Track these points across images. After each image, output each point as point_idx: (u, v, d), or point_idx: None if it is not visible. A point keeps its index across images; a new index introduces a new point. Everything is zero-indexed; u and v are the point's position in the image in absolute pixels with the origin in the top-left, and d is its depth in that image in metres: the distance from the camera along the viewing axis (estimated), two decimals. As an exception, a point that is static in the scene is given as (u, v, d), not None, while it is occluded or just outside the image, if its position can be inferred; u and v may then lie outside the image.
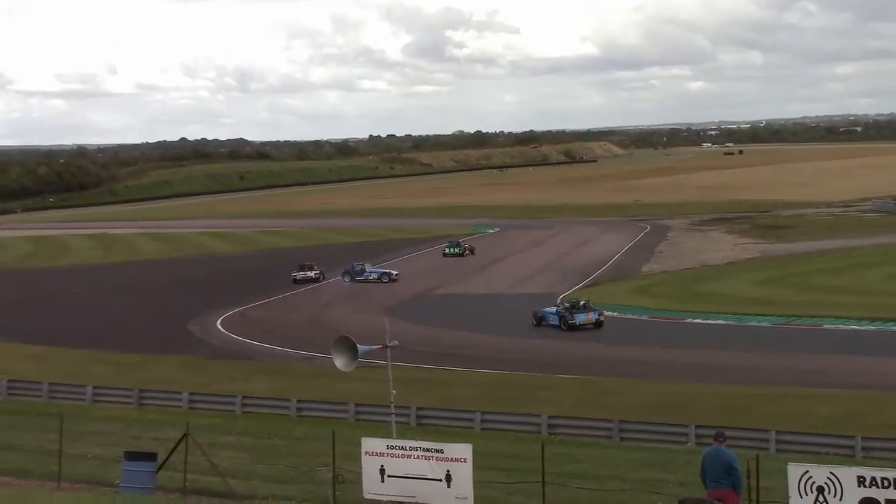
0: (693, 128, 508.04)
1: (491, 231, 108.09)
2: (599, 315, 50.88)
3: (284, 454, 26.17)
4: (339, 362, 19.11)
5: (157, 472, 19.47)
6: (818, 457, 24.60)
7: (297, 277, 71.73)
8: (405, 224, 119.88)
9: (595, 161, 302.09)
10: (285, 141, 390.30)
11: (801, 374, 38.78)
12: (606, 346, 46.68)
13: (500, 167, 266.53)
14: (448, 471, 17.02)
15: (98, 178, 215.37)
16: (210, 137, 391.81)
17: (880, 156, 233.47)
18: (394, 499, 17.63)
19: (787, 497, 14.02)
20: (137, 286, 74.50)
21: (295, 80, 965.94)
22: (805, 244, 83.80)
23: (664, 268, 74.53)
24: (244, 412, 35.83)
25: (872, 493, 13.39)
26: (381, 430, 23.68)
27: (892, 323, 48.46)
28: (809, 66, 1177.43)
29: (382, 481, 17.57)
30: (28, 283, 79.02)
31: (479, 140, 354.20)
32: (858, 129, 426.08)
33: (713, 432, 16.95)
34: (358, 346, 18.92)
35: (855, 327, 48.36)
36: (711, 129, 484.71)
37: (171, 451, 19.92)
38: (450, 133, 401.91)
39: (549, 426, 31.70)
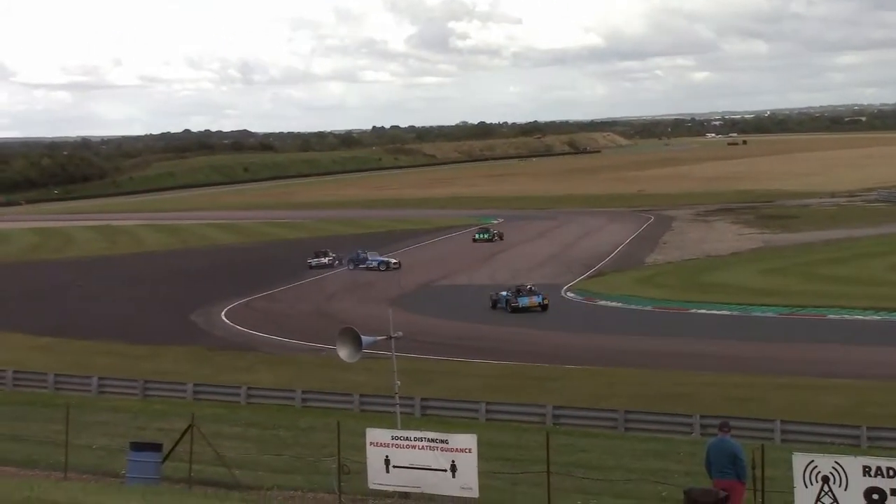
0: (697, 118, 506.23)
1: (494, 222, 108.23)
2: (544, 298, 53.47)
3: (290, 445, 26.23)
4: (344, 353, 19.11)
5: (162, 463, 19.49)
6: (823, 447, 24.57)
7: (312, 264, 75.32)
8: (410, 215, 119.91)
9: (599, 152, 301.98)
10: (289, 132, 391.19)
11: (805, 364, 38.76)
12: (611, 337, 46.67)
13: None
14: (453, 461, 17.00)
15: (102, 170, 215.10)
16: (214, 129, 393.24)
17: (885, 146, 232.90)
18: (399, 489, 17.63)
19: (792, 487, 13.99)
20: (142, 278, 74.57)
21: (298, 72, 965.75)
22: (809, 234, 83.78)
23: (669, 258, 74.54)
24: (249, 403, 35.95)
25: (878, 482, 13.35)
26: (386, 421, 23.70)
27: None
28: (814, 55, 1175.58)
29: (387, 472, 17.55)
30: (33, 275, 79.16)
31: (483, 131, 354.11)
32: (863, 118, 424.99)
33: (718, 422, 16.94)
34: (362, 336, 18.91)
35: (859, 317, 48.36)
36: (716, 120, 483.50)
37: (177, 442, 19.93)
38: (453, 124, 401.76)
39: (554, 416, 31.74)
